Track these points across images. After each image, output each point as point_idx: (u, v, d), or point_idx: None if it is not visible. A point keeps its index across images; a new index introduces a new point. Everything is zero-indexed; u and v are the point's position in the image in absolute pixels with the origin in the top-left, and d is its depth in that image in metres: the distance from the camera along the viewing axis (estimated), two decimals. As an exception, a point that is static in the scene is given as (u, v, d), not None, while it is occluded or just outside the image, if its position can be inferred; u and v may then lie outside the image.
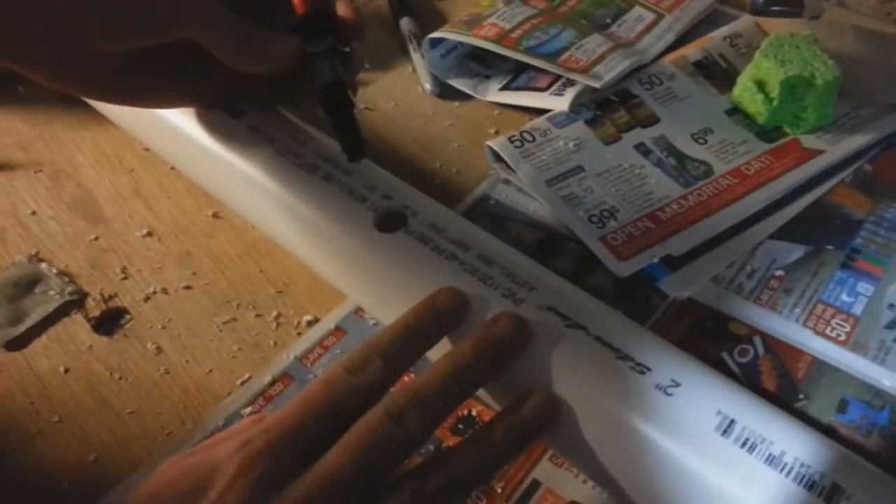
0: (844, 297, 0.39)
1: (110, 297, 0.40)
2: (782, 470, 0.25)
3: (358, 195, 0.36)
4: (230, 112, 0.40)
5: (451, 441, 0.34)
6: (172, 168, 0.47)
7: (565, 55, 0.50)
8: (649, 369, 0.28)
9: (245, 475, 0.25)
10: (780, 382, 0.36)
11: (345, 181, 0.37)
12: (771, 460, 0.26)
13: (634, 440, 0.27)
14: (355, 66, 0.38)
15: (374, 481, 0.26)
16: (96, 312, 0.40)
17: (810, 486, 0.25)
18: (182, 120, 0.41)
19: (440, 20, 0.58)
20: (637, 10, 0.56)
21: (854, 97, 0.49)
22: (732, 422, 0.27)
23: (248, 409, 0.35)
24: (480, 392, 0.32)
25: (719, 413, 0.27)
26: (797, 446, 0.26)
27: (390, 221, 0.35)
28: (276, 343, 0.38)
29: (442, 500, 0.26)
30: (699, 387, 0.28)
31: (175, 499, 0.26)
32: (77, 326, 0.39)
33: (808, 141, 0.47)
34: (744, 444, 0.26)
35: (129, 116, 0.46)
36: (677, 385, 0.28)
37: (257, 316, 0.39)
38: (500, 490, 0.32)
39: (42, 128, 0.51)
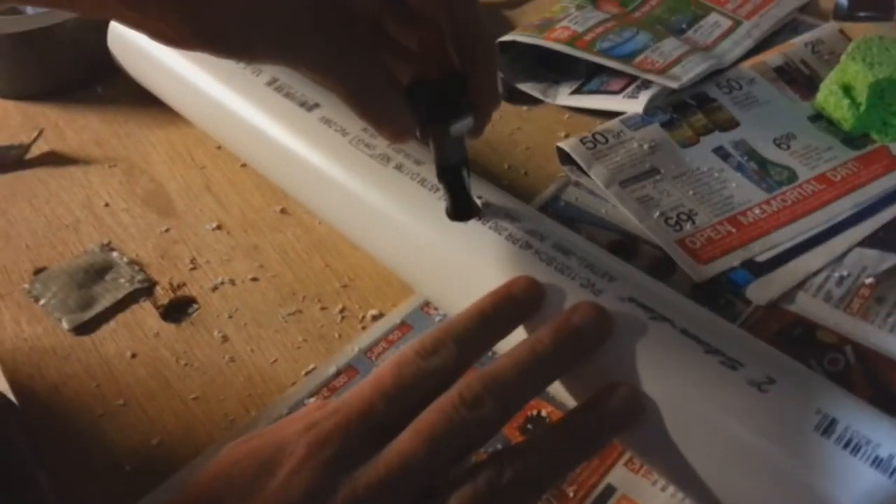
0: (944, 307, 0.36)
1: (179, 287, 0.40)
2: (892, 473, 0.23)
3: (430, 185, 0.35)
4: (303, 104, 0.40)
5: (519, 441, 0.32)
6: (243, 165, 0.47)
7: (640, 57, 0.49)
8: (742, 364, 0.27)
9: (314, 456, 0.24)
10: (875, 393, 0.33)
11: (417, 171, 0.36)
12: (878, 463, 0.24)
13: (725, 440, 0.25)
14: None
15: (447, 467, 0.25)
16: (165, 300, 0.40)
17: None
18: (255, 114, 0.42)
19: (508, 27, 0.58)
20: (714, 16, 0.54)
21: (948, 104, 0.46)
22: (834, 421, 0.25)
23: (312, 399, 0.34)
24: (554, 389, 0.31)
25: (819, 412, 0.25)
26: None
27: (465, 209, 0.34)
28: (340, 336, 0.37)
29: (517, 494, 0.25)
30: (796, 384, 0.26)
31: (241, 479, 0.25)
32: (145, 313, 0.39)
33: (899, 148, 0.45)
34: (847, 445, 0.24)
35: (204, 113, 0.46)
36: (772, 382, 0.26)
37: (322, 309, 0.39)
38: (571, 494, 0.30)
39: (118, 126, 0.52)
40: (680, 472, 0.27)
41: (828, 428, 0.25)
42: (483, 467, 0.25)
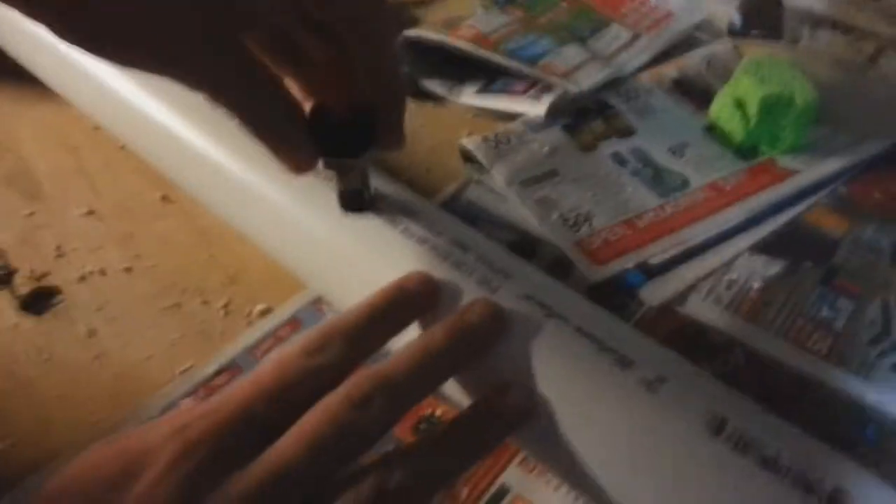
0: (825, 312, 0.38)
1: (42, 276, 0.37)
2: (779, 472, 0.23)
3: (325, 175, 0.33)
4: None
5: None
6: (122, 148, 0.44)
7: (544, 61, 0.49)
8: (634, 363, 0.26)
9: (180, 464, 0.21)
10: (763, 393, 0.34)
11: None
12: (766, 463, 0.24)
13: (616, 439, 0.25)
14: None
15: (330, 473, 0.23)
16: (25, 290, 0.36)
17: (809, 489, 0.23)
18: (136, 91, 0.38)
19: (416, 23, 0.57)
20: (615, 28, 0.55)
21: (829, 122, 0.49)
22: (724, 421, 0.25)
23: (188, 400, 0.32)
24: (448, 389, 0.29)
25: (709, 412, 0.25)
26: (793, 448, 0.24)
27: (357, 202, 0.32)
28: (223, 332, 0.35)
29: (405, 498, 0.23)
30: (687, 384, 0.26)
31: (98, 486, 0.22)
32: (2, 303, 0.35)
33: (785, 161, 0.47)
34: (736, 445, 0.24)
35: (80, 89, 0.43)
36: (664, 381, 0.26)
37: (204, 303, 0.36)
38: (465, 494, 0.29)
39: (-17, 101, 0.48)
40: (573, 472, 0.26)
41: (718, 428, 0.24)
42: (370, 471, 0.23)
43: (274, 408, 0.23)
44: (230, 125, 0.36)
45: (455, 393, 0.30)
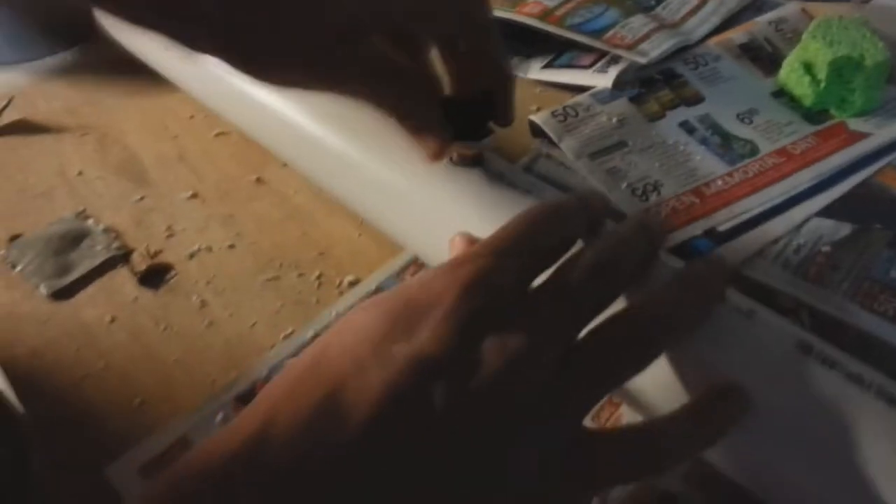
0: (893, 274, 0.38)
1: (155, 254, 0.41)
2: (864, 385, 0.25)
3: None
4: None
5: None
6: (216, 135, 0.48)
7: (610, 33, 0.50)
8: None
9: (459, 308, 0.23)
10: (828, 354, 0.35)
11: None
12: (851, 377, 0.26)
13: (719, 356, 0.27)
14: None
15: (590, 317, 0.25)
16: (142, 267, 0.40)
17: (891, 401, 0.25)
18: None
19: None
20: (681, -6, 0.56)
21: (902, 82, 0.48)
22: (811, 345, 0.27)
23: (293, 360, 0.35)
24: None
25: (797, 337, 0.27)
26: (871, 370, 0.26)
27: (468, 160, 0.35)
28: (318, 301, 0.38)
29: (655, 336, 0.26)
30: (775, 317, 0.29)
31: (379, 333, 0.23)
32: (123, 280, 0.40)
33: (855, 124, 0.47)
34: (824, 362, 0.26)
35: (190, 76, 0.46)
36: (754, 312, 0.28)
37: (300, 275, 0.40)
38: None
39: (89, 94, 0.52)
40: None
41: (807, 349, 0.27)
42: (617, 319, 0.25)
43: (529, 254, 0.26)
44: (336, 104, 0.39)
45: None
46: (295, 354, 0.36)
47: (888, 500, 0.24)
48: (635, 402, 0.30)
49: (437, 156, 0.33)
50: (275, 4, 0.29)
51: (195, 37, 0.30)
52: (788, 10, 0.54)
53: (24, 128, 0.49)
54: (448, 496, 0.22)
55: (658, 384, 0.28)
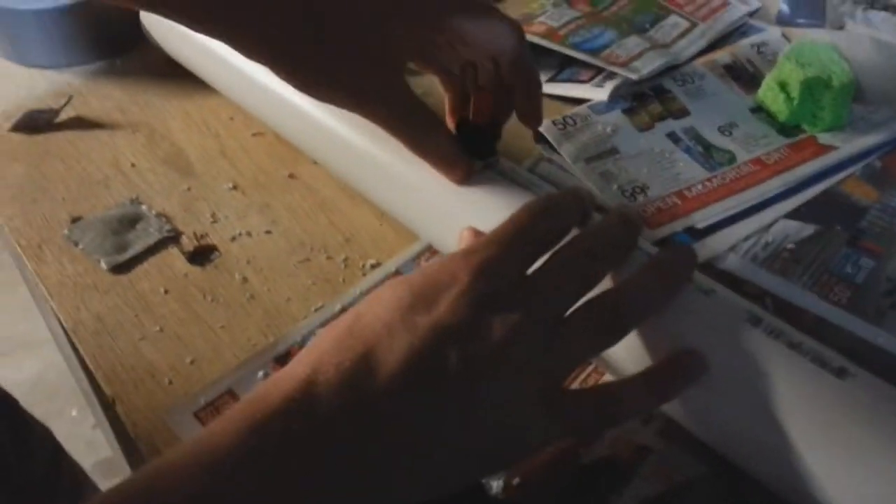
0: (848, 269, 0.44)
1: (202, 236, 0.46)
2: (802, 352, 0.31)
3: None
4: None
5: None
6: (254, 135, 0.53)
7: (607, 51, 0.56)
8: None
9: (472, 288, 0.28)
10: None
11: None
12: (792, 345, 0.31)
13: (679, 330, 0.32)
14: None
15: (581, 293, 0.31)
16: (190, 247, 0.46)
17: (823, 364, 0.30)
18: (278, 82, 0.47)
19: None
20: (673, 18, 0.61)
21: (868, 101, 0.54)
22: (760, 318, 0.32)
23: (323, 329, 0.41)
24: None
25: (749, 312, 0.33)
26: (811, 341, 0.32)
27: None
28: (344, 280, 0.44)
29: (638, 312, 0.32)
30: (732, 295, 0.34)
31: (400, 309, 0.28)
32: (173, 258, 0.45)
33: (824, 138, 0.52)
34: (770, 333, 0.31)
35: (230, 80, 0.51)
36: (714, 291, 0.34)
37: (328, 258, 0.45)
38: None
39: (138, 95, 0.58)
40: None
41: (756, 321, 0.32)
42: (600, 297, 0.31)
43: (528, 244, 0.31)
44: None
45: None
46: (324, 325, 0.41)
47: (818, 448, 0.29)
48: (612, 366, 0.35)
49: (462, 182, 0.39)
50: (321, 26, 0.35)
51: (247, 45, 0.36)
52: (770, 34, 0.60)
53: (80, 124, 0.55)
54: (457, 426, 0.28)
55: (632, 352, 0.34)
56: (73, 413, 1.40)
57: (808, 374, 0.31)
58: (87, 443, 1.28)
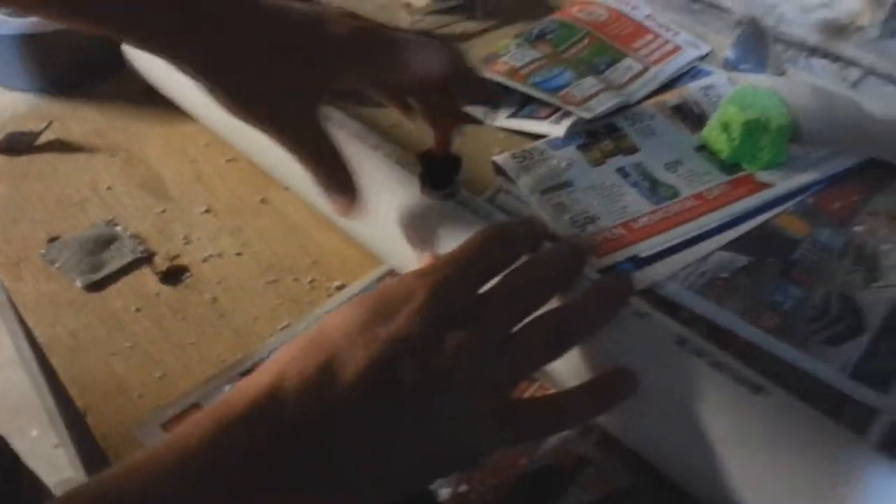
0: (778, 297, 0.48)
1: (174, 257, 0.49)
2: (722, 370, 0.34)
3: (410, 169, 0.45)
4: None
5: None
6: (228, 161, 0.56)
7: (564, 91, 0.60)
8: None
9: (428, 304, 0.31)
10: (719, 358, 0.44)
11: (403, 162, 0.46)
12: (715, 364, 0.34)
13: (614, 349, 0.35)
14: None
15: (527, 313, 0.34)
16: (163, 267, 0.48)
17: (741, 381, 0.34)
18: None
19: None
20: (628, 61, 0.65)
21: (805, 142, 0.58)
22: (686, 339, 0.35)
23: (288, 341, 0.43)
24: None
25: (677, 334, 0.36)
26: (731, 360, 0.35)
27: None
28: (310, 301, 0.46)
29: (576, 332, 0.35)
30: (663, 318, 0.37)
31: (358, 324, 0.31)
32: (146, 277, 0.48)
33: (762, 176, 0.56)
34: (694, 352, 0.35)
35: (207, 108, 0.54)
36: (648, 314, 0.36)
37: (295, 280, 0.48)
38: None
39: (116, 120, 0.60)
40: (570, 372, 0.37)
41: (682, 342, 0.35)
42: (544, 317, 0.34)
43: (482, 266, 0.34)
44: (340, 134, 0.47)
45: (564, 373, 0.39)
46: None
47: (734, 458, 0.33)
48: (554, 380, 0.38)
49: (344, 213, 0.42)
50: (265, 61, 0.39)
51: (191, 68, 0.39)
52: (716, 77, 0.64)
53: (60, 147, 0.57)
54: (413, 436, 0.30)
55: (571, 367, 0.37)
56: (34, 433, 1.40)
57: (727, 390, 0.34)
58: (49, 462, 1.28)
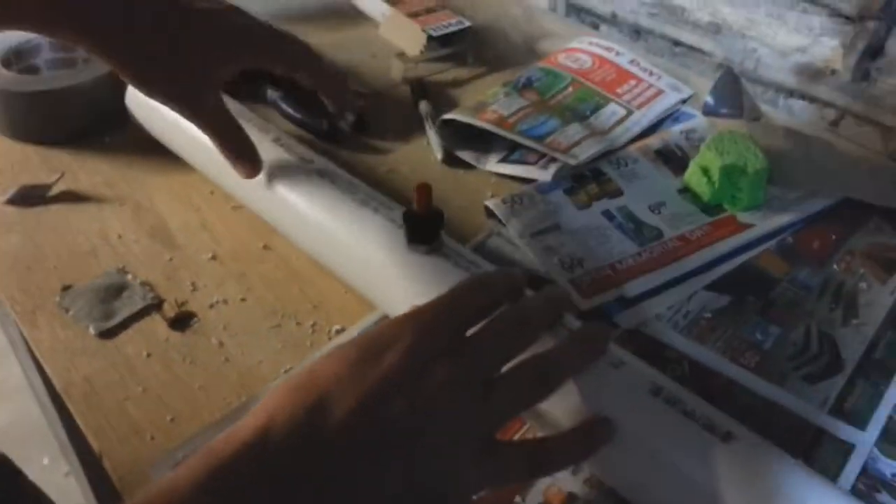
0: (758, 335, 0.50)
1: (182, 304, 0.51)
2: (694, 418, 0.36)
3: (398, 222, 0.47)
4: (301, 159, 0.53)
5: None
6: (233, 208, 0.59)
7: (550, 138, 0.63)
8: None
9: (415, 346, 0.33)
10: (702, 395, 0.46)
11: (390, 215, 0.48)
12: (686, 413, 0.36)
13: (593, 398, 0.38)
14: None
15: (512, 355, 0.36)
16: (171, 314, 0.50)
17: (712, 430, 0.36)
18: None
19: (452, 104, 0.71)
20: (612, 106, 0.69)
21: (781, 184, 0.61)
22: (661, 388, 0.38)
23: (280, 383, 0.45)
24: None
25: (652, 383, 0.38)
26: (703, 409, 0.37)
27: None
28: (311, 344, 0.49)
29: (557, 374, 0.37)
30: (639, 368, 0.40)
31: (347, 366, 0.32)
32: (156, 324, 0.50)
33: (743, 217, 0.59)
34: (667, 402, 0.37)
35: (209, 161, 0.57)
36: (623, 363, 0.39)
37: (297, 324, 0.50)
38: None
39: (125, 171, 0.63)
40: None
41: (657, 391, 0.38)
42: (526, 363, 0.36)
43: (466, 311, 0.37)
44: (328, 189, 0.50)
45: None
46: (293, 384, 0.46)
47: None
48: (536, 422, 0.41)
49: (249, 176, 0.52)
50: (176, 46, 0.47)
51: (101, 52, 0.46)
52: (698, 121, 0.67)
53: (71, 197, 0.60)
54: (399, 474, 0.32)
55: (553, 411, 0.39)
56: (45, 461, 1.41)
57: (698, 438, 0.36)
58: (60, 491, 1.29)
